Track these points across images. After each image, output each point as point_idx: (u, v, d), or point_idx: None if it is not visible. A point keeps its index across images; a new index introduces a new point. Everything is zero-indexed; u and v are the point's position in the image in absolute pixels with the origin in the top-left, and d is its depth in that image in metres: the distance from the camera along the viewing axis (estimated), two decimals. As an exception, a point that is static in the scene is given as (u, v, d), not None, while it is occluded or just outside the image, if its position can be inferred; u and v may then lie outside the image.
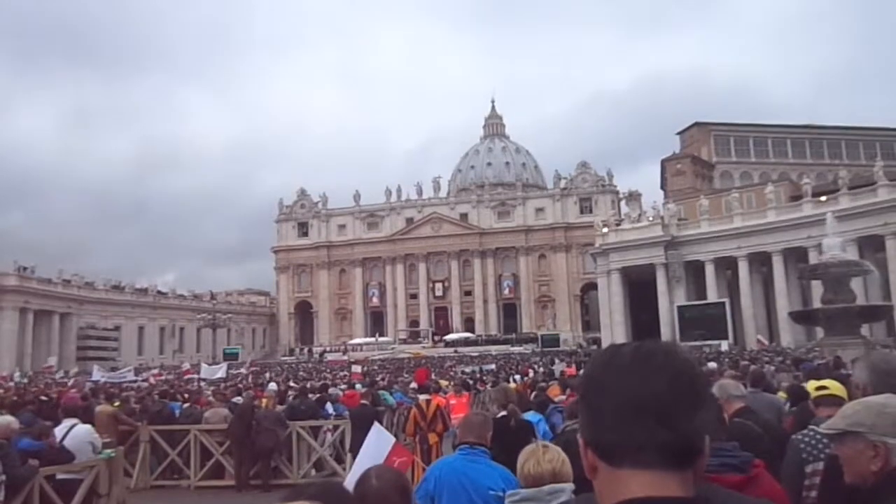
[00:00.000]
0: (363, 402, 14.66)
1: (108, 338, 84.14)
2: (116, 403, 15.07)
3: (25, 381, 43.53)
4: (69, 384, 32.98)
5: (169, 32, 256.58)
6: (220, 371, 38.54)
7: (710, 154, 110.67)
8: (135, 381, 35.69)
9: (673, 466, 1.24)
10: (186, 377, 40.78)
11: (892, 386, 3.32)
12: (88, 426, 9.91)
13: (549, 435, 8.00)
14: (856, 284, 40.93)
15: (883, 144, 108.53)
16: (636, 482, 1.24)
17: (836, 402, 3.82)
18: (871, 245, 55.78)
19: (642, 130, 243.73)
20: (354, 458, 12.82)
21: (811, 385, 4.64)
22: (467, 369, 42.42)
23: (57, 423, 9.74)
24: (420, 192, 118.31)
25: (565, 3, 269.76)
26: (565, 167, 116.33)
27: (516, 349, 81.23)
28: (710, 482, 2.12)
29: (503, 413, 8.09)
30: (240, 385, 24.03)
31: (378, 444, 5.87)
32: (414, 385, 21.92)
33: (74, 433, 9.21)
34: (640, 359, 1.31)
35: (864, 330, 39.52)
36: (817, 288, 45.58)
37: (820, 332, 42.67)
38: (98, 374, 38.94)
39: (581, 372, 1.71)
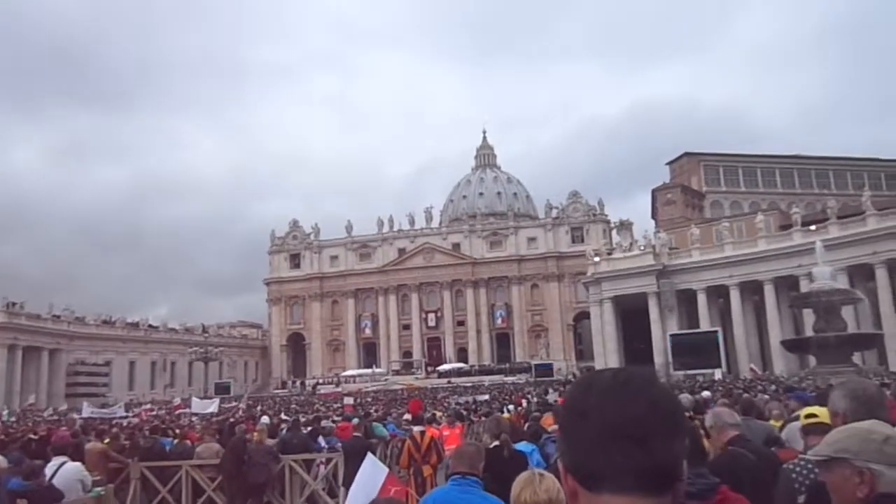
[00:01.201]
0: (356, 434, 14.57)
1: (99, 373, 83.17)
2: (107, 440, 14.90)
3: (13, 419, 42.92)
4: (59, 421, 32.57)
5: (163, 62, 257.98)
6: (213, 406, 38.09)
7: (700, 184, 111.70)
8: (125, 417, 35.34)
9: (652, 492, 1.26)
10: (177, 412, 40.36)
11: (869, 411, 3.37)
12: (78, 464, 9.80)
13: (543, 465, 7.97)
14: (847, 313, 41.14)
15: (870, 174, 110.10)
16: None
17: (824, 429, 3.86)
18: (861, 274, 56.18)
19: (633, 160, 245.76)
20: (347, 491, 12.72)
21: (802, 413, 4.67)
22: (461, 400, 42.14)
23: (46, 461, 9.63)
24: (412, 223, 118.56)
25: (557, 35, 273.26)
26: (557, 196, 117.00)
27: (510, 379, 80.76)
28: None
29: (496, 443, 8.07)
30: (231, 419, 23.79)
31: (372, 475, 5.85)
32: (408, 417, 21.80)
33: (63, 471, 9.11)
34: (618, 385, 1.34)
35: (856, 358, 39.61)
36: (809, 316, 45.79)
37: (812, 360, 42.78)
38: (88, 410, 38.48)
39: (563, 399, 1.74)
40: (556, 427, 11.75)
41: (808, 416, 4.38)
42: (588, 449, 1.30)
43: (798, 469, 3.86)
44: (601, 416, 1.30)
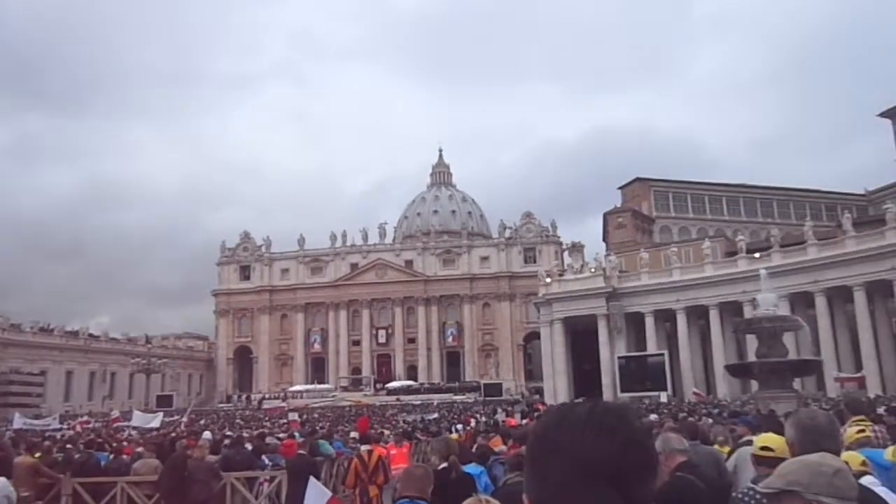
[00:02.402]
0: (300, 451, 14.28)
1: (33, 383, 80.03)
2: (38, 454, 14.28)
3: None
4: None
5: (117, 67, 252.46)
6: (156, 420, 36.95)
7: (651, 209, 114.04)
8: (59, 430, 34.08)
9: None
10: (115, 425, 39.10)
11: (815, 442, 3.40)
12: (3, 479, 9.34)
13: (490, 487, 7.89)
14: (788, 339, 42.20)
15: (811, 205, 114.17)
16: None
17: (777, 462, 3.87)
18: (802, 301, 57.88)
19: (588, 183, 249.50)
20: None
21: (757, 442, 4.69)
22: (409, 418, 41.95)
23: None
24: (366, 238, 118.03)
25: (516, 59, 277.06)
26: (513, 217, 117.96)
27: (459, 398, 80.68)
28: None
29: (444, 465, 7.97)
30: (172, 434, 23.12)
31: (317, 500, 5.69)
32: (354, 435, 21.50)
33: (-11, 487, 8.67)
34: (594, 420, 1.28)
35: (797, 384, 40.61)
36: (752, 342, 46.85)
37: (755, 384, 43.71)
38: (20, 421, 36.98)
39: (530, 427, 1.65)
40: (503, 448, 11.70)
41: (764, 447, 4.39)
42: (557, 485, 1.24)
43: (746, 499, 3.87)
44: (574, 453, 1.24)
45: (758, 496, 3.62)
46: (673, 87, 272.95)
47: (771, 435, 4.63)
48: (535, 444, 1.33)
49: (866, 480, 3.55)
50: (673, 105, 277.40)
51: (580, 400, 1.55)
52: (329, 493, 6.08)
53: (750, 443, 7.58)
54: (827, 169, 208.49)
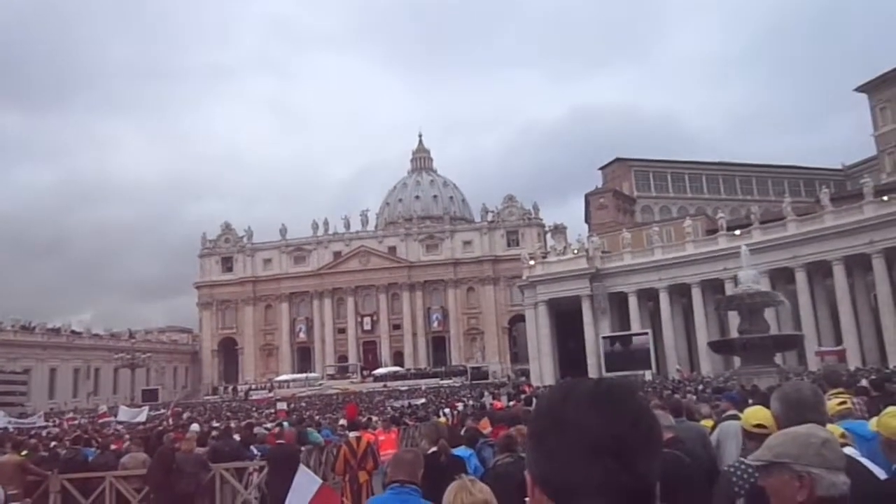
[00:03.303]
0: (279, 441, 14.26)
1: (16, 381, 79.20)
2: (24, 452, 14.16)
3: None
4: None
5: (94, 62, 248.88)
6: (142, 414, 36.81)
7: (632, 189, 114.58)
8: (45, 427, 33.82)
9: None
10: (101, 421, 38.89)
11: (800, 415, 3.44)
12: (-9, 478, 9.26)
13: (480, 470, 7.93)
14: (769, 315, 42.73)
15: (790, 182, 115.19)
16: None
17: (765, 435, 3.91)
18: (782, 277, 58.60)
19: (571, 165, 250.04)
20: (275, 502, 12.43)
21: (747, 418, 4.72)
22: (396, 404, 42.04)
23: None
24: (348, 226, 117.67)
25: (500, 41, 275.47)
26: (495, 200, 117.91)
27: (446, 382, 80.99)
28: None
29: (434, 449, 7.99)
30: (159, 428, 23.02)
31: (307, 487, 5.69)
32: (343, 422, 21.51)
33: (-24, 485, 8.59)
34: (599, 397, 1.27)
35: (778, 359, 41.18)
36: (734, 318, 47.39)
37: (737, 361, 44.28)
38: (4, 420, 36.63)
39: (534, 406, 1.63)
40: (490, 430, 11.75)
41: (757, 425, 4.42)
42: (563, 462, 1.23)
43: (738, 472, 3.91)
44: (580, 430, 1.23)
45: (749, 470, 3.66)
46: (652, 66, 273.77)
47: (761, 410, 4.67)
48: (540, 422, 1.32)
49: (847, 451, 3.60)
50: (653, 85, 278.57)
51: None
52: (319, 481, 6.08)
53: (732, 417, 7.68)
54: (805, 144, 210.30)
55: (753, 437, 4.35)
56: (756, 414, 4.60)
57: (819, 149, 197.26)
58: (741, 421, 4.96)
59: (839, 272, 56.23)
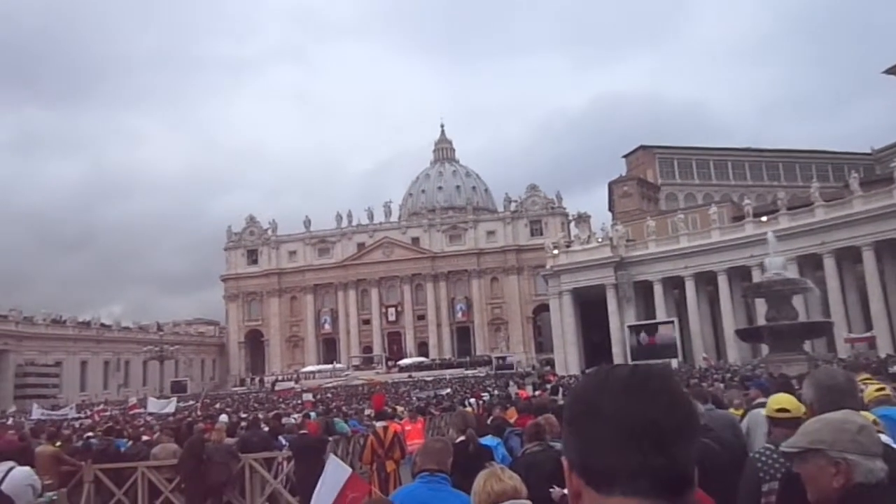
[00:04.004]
0: (302, 431, 14.39)
1: (49, 374, 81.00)
2: (58, 443, 14.46)
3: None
4: (8, 424, 31.58)
5: (116, 57, 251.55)
6: (170, 405, 37.42)
7: (656, 176, 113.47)
8: (77, 419, 34.51)
9: (666, 496, 1.20)
10: (132, 412, 39.59)
11: (835, 402, 3.39)
12: (27, 469, 9.41)
13: (508, 459, 7.95)
14: (797, 302, 42.18)
15: (818, 166, 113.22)
16: None
17: (794, 422, 3.87)
18: (810, 263, 57.75)
19: (595, 153, 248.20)
20: (299, 493, 12.57)
21: (771, 404, 4.68)
22: (422, 394, 42.23)
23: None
24: (371, 217, 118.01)
25: (522, 28, 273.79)
26: (518, 190, 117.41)
27: (470, 372, 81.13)
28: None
29: (461, 438, 8.02)
30: (189, 419, 23.36)
31: (337, 476, 5.73)
32: (369, 412, 21.67)
33: (12, 477, 8.75)
34: (636, 382, 1.27)
35: (807, 346, 40.66)
36: (761, 306, 46.86)
37: (765, 348, 43.79)
38: (38, 412, 37.44)
39: (569, 393, 1.63)
40: (516, 420, 11.76)
41: (780, 409, 4.38)
42: (601, 448, 1.23)
43: (764, 458, 3.88)
44: (618, 415, 1.23)
45: (775, 455, 3.63)
46: (677, 52, 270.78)
47: (783, 395, 4.62)
48: (576, 407, 1.31)
49: (882, 439, 3.55)
50: (677, 70, 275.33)
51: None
52: (349, 470, 6.13)
53: (762, 405, 7.60)
54: (833, 129, 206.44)
55: (778, 423, 4.31)
56: (779, 399, 4.55)
57: (847, 133, 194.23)
58: (765, 408, 4.90)
59: (869, 258, 55.29)
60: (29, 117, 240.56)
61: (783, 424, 4.18)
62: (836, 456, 2.38)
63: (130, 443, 15.60)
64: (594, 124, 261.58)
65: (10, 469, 8.95)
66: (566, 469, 1.31)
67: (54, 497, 9.70)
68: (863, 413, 4.06)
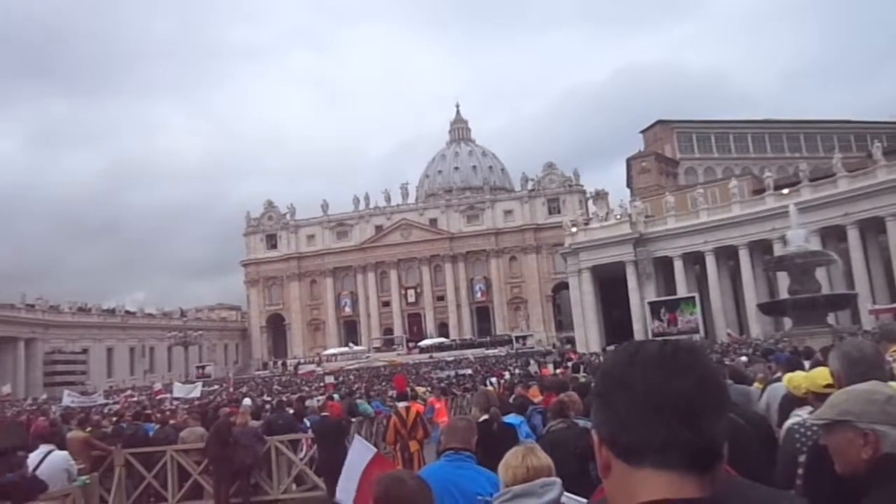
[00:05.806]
0: (323, 413, 14.55)
1: (76, 361, 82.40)
2: (89, 429, 14.75)
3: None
4: (39, 410, 32.26)
5: (133, 45, 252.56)
6: (196, 390, 37.98)
7: (674, 151, 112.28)
8: (106, 405, 35.10)
9: (695, 469, 1.21)
10: (158, 397, 40.23)
11: (862, 374, 3.36)
12: (65, 453, 9.64)
13: (532, 436, 7.99)
14: (820, 274, 41.76)
15: (840, 137, 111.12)
16: (656, 483, 1.21)
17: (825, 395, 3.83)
18: (833, 235, 57.04)
19: (613, 129, 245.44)
20: (322, 474, 12.73)
21: (817, 379, 4.56)
22: (443, 374, 42.42)
23: (27, 451, 9.44)
24: (388, 199, 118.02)
25: (537, 4, 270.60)
26: (536, 169, 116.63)
27: (491, 352, 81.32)
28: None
29: (485, 417, 8.07)
30: (215, 402, 23.69)
31: (362, 456, 5.81)
32: (391, 393, 21.85)
33: (50, 461, 8.96)
34: (665, 357, 1.28)
35: (830, 318, 40.31)
36: (783, 279, 46.44)
37: (788, 322, 43.49)
38: (68, 398, 38.12)
39: (599, 367, 1.66)
40: (541, 399, 11.80)
41: (828, 385, 4.22)
42: (630, 421, 1.24)
43: (802, 430, 3.89)
44: (647, 389, 1.24)
45: (813, 427, 3.62)
46: (697, 22, 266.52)
47: (825, 369, 4.49)
48: (606, 382, 1.33)
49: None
50: (698, 42, 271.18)
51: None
52: (374, 449, 6.20)
53: (780, 379, 7.55)
54: (857, 98, 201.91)
55: (821, 398, 4.24)
56: (824, 374, 4.41)
57: (874, 102, 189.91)
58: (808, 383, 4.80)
59: (893, 228, 54.47)
60: (49, 110, 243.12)
61: (820, 398, 4.14)
62: (865, 427, 2.37)
63: (158, 427, 15.87)
64: (614, 100, 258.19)
65: (49, 452, 9.15)
66: (595, 442, 1.32)
67: (87, 481, 9.90)
68: (890, 383, 4.03)
